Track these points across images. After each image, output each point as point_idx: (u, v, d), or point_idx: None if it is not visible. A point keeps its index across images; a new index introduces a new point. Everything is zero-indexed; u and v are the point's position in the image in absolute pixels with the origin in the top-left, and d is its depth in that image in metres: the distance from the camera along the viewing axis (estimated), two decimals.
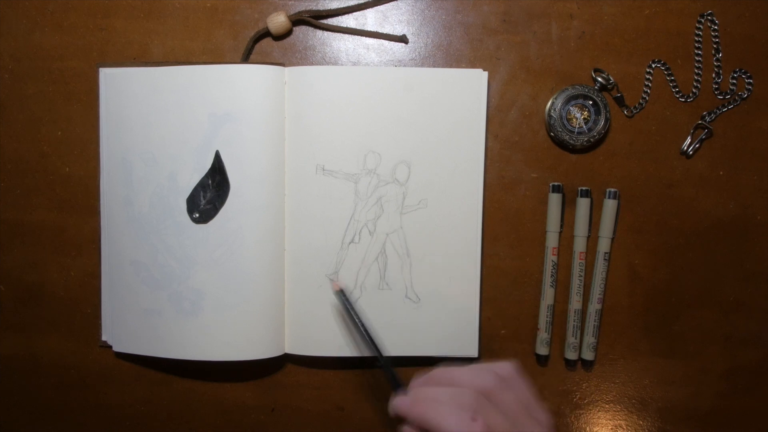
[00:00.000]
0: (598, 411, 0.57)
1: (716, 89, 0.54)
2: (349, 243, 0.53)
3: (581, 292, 0.54)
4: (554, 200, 0.54)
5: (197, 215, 0.53)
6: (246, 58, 0.54)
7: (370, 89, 0.52)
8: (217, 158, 0.52)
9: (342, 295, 0.49)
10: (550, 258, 0.54)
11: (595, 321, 0.54)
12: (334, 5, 0.54)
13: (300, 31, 0.55)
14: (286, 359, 0.56)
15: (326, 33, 0.55)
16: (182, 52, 0.54)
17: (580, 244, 0.54)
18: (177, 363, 0.54)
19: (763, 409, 0.56)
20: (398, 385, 0.44)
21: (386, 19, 0.55)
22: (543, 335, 0.55)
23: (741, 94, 0.54)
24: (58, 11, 0.54)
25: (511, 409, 0.39)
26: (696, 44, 0.54)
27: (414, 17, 0.54)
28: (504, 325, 0.56)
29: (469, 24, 0.54)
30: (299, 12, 0.54)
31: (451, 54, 0.54)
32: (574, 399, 0.56)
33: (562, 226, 0.55)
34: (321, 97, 0.52)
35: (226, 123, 0.51)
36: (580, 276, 0.54)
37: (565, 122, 0.53)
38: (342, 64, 0.55)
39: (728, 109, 0.54)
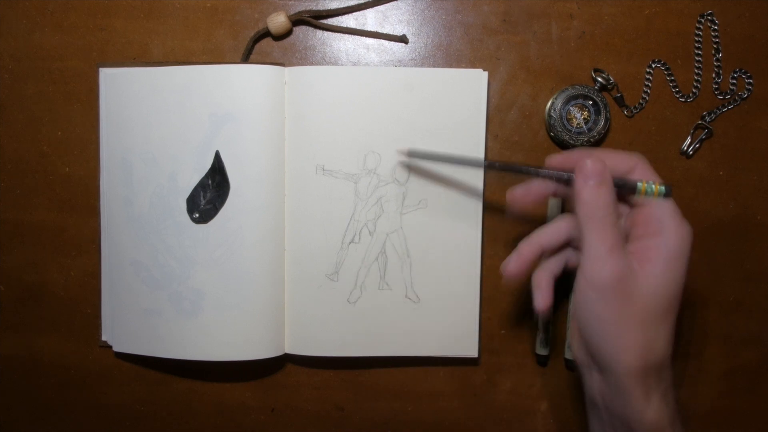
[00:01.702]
0: None
1: (716, 89, 0.54)
2: (349, 243, 0.53)
3: None
4: (554, 201, 0.54)
5: (197, 215, 0.53)
6: (246, 58, 0.54)
7: (370, 89, 0.52)
8: (217, 158, 0.52)
9: (414, 153, 0.49)
10: None
11: None
12: (334, 5, 0.54)
13: (300, 31, 0.55)
14: (286, 359, 0.56)
15: (326, 33, 0.55)
16: (182, 52, 0.54)
17: None
18: (177, 363, 0.54)
19: (763, 409, 0.56)
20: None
21: (386, 19, 0.55)
22: (543, 335, 0.55)
23: (741, 94, 0.54)
24: (58, 11, 0.54)
25: None
26: (696, 44, 0.54)
27: (414, 17, 0.54)
28: (504, 325, 0.56)
29: (469, 24, 0.54)
30: (299, 12, 0.54)
31: (451, 54, 0.54)
32: (574, 399, 0.56)
33: None
34: (321, 97, 0.52)
35: (226, 123, 0.51)
36: None
37: (565, 122, 0.53)
38: (342, 64, 0.55)
39: (728, 109, 0.54)
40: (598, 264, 0.38)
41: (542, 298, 0.43)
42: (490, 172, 0.54)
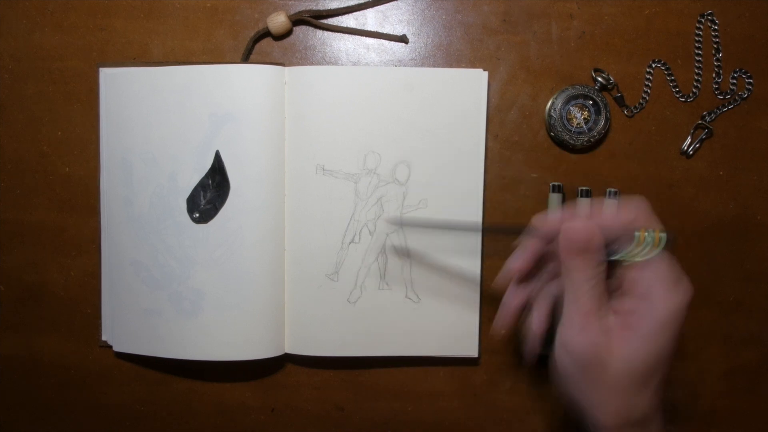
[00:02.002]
0: None
1: (716, 89, 0.54)
2: (349, 243, 0.53)
3: None
4: (554, 200, 0.54)
5: (197, 215, 0.53)
6: (246, 58, 0.54)
7: (370, 89, 0.52)
8: (217, 158, 0.52)
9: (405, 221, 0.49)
10: None
11: None
12: (334, 5, 0.54)
13: (300, 31, 0.55)
14: (286, 359, 0.56)
15: (326, 33, 0.55)
16: (182, 52, 0.54)
17: None
18: (177, 363, 0.54)
19: (763, 409, 0.56)
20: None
21: (386, 19, 0.55)
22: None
23: (741, 94, 0.54)
24: (58, 11, 0.54)
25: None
26: (696, 44, 0.54)
27: (414, 17, 0.54)
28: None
29: (469, 24, 0.54)
30: (299, 12, 0.54)
31: (451, 54, 0.54)
32: None
33: None
34: (321, 97, 0.52)
35: (226, 123, 0.51)
36: None
37: (565, 122, 0.53)
38: (342, 64, 0.55)
39: (728, 109, 0.54)
40: (572, 332, 0.37)
41: (532, 349, 0.42)
42: (491, 172, 0.54)
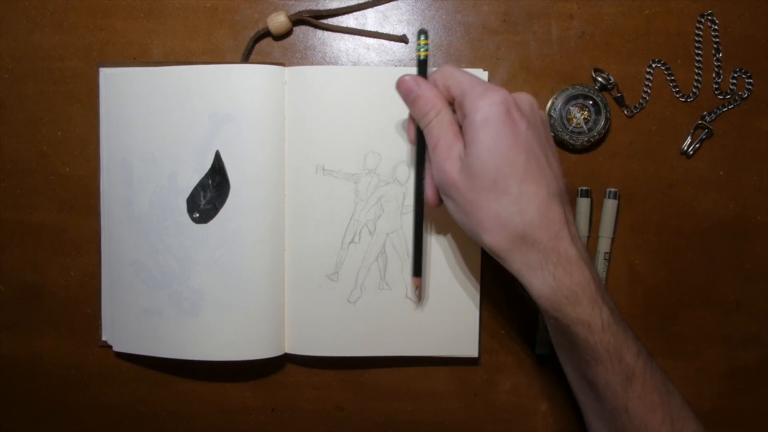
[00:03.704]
0: None
1: (716, 89, 0.54)
2: (349, 243, 0.53)
3: None
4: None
5: (197, 215, 0.53)
6: (246, 58, 0.54)
7: (370, 89, 0.52)
8: (217, 158, 0.52)
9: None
10: None
11: None
12: (334, 5, 0.54)
13: (300, 31, 0.55)
14: (286, 359, 0.56)
15: (326, 33, 0.55)
16: (182, 52, 0.54)
17: None
18: (177, 363, 0.54)
19: (763, 409, 0.56)
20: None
21: (386, 19, 0.55)
22: (543, 335, 0.55)
23: (741, 94, 0.54)
24: (58, 11, 0.54)
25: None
26: (696, 44, 0.54)
27: (414, 17, 0.54)
28: (504, 325, 0.56)
29: (469, 24, 0.54)
30: (299, 12, 0.54)
31: (451, 54, 0.54)
32: (574, 399, 0.56)
33: None
34: (321, 97, 0.52)
35: (226, 123, 0.51)
36: None
37: (565, 122, 0.53)
38: (342, 64, 0.55)
39: (728, 109, 0.54)
40: (437, 165, 0.42)
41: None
42: None
